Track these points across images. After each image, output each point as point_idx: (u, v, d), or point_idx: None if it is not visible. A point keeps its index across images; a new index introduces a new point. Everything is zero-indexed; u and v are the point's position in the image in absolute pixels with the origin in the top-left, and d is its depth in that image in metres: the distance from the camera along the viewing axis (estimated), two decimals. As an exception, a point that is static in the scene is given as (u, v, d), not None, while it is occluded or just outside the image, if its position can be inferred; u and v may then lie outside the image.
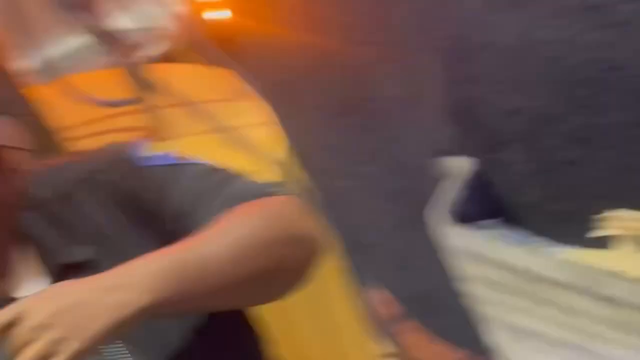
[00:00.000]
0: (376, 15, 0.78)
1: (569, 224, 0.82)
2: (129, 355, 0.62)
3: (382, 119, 0.81)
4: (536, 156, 0.79)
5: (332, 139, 0.84)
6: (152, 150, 0.65)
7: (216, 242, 0.59)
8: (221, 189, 0.59)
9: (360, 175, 0.85)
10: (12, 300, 0.59)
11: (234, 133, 1.08)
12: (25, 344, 0.51)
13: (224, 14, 1.19)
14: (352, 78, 0.81)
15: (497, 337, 0.79)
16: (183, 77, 1.23)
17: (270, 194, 0.62)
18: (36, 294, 0.55)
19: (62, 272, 0.75)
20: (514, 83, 0.77)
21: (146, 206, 0.64)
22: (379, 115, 0.81)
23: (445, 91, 0.79)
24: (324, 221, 0.81)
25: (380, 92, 0.80)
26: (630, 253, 0.77)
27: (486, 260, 0.76)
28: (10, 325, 0.54)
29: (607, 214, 0.77)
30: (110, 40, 1.02)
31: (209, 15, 1.38)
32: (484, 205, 0.83)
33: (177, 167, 0.65)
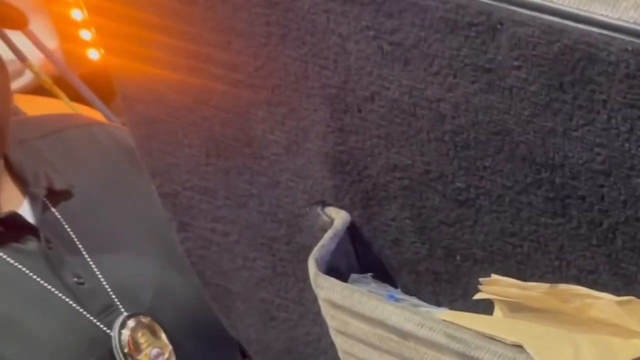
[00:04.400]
0: (260, 57, 0.74)
1: (441, 284, 0.81)
2: None
3: (260, 163, 0.78)
4: (415, 214, 0.78)
5: (204, 180, 0.80)
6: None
7: None
8: None
9: (230, 220, 0.82)
10: None
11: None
12: None
13: (99, 52, 1.14)
14: (231, 119, 0.77)
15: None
16: (42, 111, 1.18)
17: None
18: None
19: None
20: (399, 138, 0.74)
21: None
22: (256, 159, 0.78)
23: (329, 140, 0.77)
24: (188, 264, 0.78)
25: (259, 136, 0.77)
26: (502, 318, 0.77)
27: (355, 315, 0.74)
28: None
29: (482, 278, 0.76)
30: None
31: (88, 52, 1.33)
32: (356, 259, 0.81)
33: None
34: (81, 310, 0.81)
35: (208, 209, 0.78)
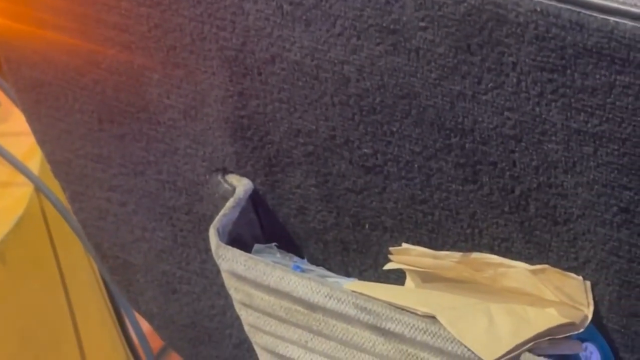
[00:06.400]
0: (153, 17, 0.71)
1: (350, 254, 0.79)
2: None
3: (156, 129, 0.75)
4: (321, 181, 0.75)
5: (98, 147, 0.77)
6: None
7: None
8: None
9: (126, 189, 0.78)
10: None
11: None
12: None
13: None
14: (124, 83, 0.74)
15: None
16: None
17: None
18: None
19: None
20: (302, 102, 0.72)
21: None
22: (152, 124, 0.75)
23: (228, 105, 0.74)
24: (83, 238, 0.75)
25: (155, 100, 0.74)
26: (414, 289, 0.75)
27: (259, 287, 0.72)
28: None
29: (392, 247, 0.74)
30: None
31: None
32: (260, 229, 0.79)
33: None
34: None
35: (103, 177, 0.75)
